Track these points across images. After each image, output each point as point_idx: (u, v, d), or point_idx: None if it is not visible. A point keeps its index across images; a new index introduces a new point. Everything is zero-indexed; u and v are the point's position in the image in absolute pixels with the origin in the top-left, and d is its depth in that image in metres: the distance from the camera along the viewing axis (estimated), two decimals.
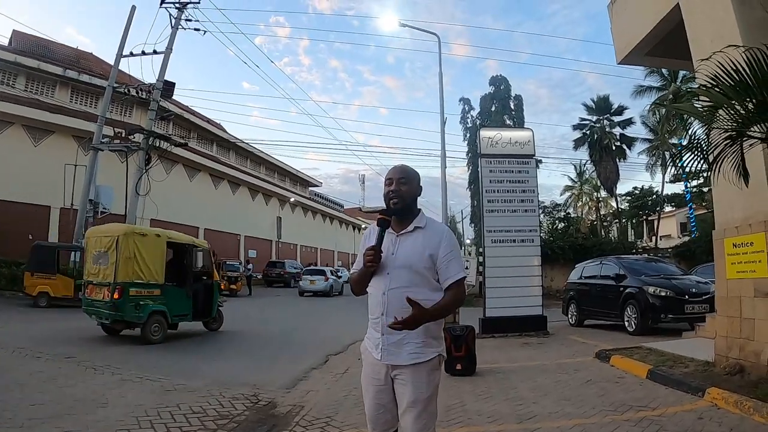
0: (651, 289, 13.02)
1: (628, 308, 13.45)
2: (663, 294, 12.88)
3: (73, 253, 21.21)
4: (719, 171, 5.74)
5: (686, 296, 12.92)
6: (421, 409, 2.96)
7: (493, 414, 6.12)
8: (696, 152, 6.03)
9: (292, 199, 56.24)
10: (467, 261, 24.03)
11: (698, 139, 6.01)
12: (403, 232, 3.11)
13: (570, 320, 16.39)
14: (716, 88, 5.45)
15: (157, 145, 24.58)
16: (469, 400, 6.75)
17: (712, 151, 5.80)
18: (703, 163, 6.07)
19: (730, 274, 7.78)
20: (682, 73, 37.98)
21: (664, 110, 39.87)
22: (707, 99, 5.79)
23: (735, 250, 7.68)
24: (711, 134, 5.81)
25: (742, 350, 7.26)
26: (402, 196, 3.12)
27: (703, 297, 12.85)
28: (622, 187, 49.79)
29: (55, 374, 7.97)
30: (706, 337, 9.99)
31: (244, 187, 47.68)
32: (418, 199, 3.26)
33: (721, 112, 5.56)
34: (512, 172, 14.30)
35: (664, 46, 10.50)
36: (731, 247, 7.76)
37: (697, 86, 6.25)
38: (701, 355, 8.31)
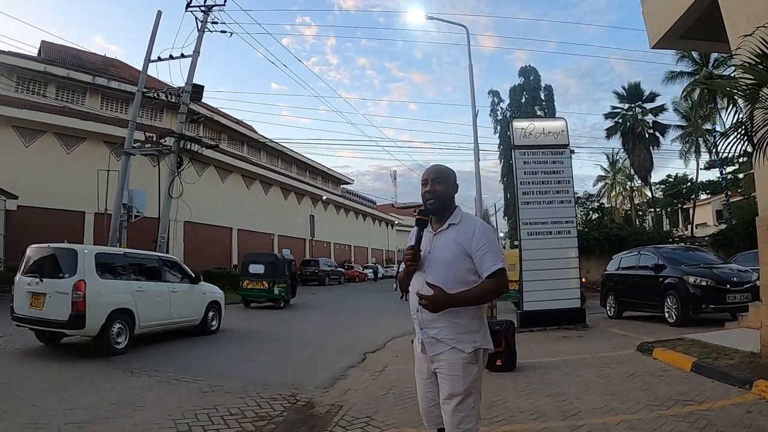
0: (691, 279, 12.70)
1: (668, 299, 13.13)
2: (704, 284, 12.54)
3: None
4: (764, 152, 5.54)
5: (727, 285, 12.56)
6: (457, 402, 3.03)
7: (536, 411, 5.97)
8: (740, 133, 5.82)
9: (324, 197, 56.38)
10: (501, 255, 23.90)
11: (742, 119, 5.80)
12: (439, 230, 3.25)
13: (608, 312, 16.09)
14: (760, 66, 5.26)
15: (188, 147, 24.68)
16: (510, 397, 6.60)
17: (757, 131, 5.60)
18: (747, 144, 5.86)
19: None
20: (713, 57, 37.36)
21: (697, 95, 39.23)
22: (751, 77, 5.58)
23: None
24: (755, 114, 5.61)
25: None
26: (437, 195, 3.25)
27: (745, 286, 12.52)
28: (655, 176, 49.25)
29: (93, 378, 7.98)
30: (749, 327, 9.73)
31: (276, 186, 47.87)
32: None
33: (765, 90, 5.36)
34: (546, 162, 14.06)
35: (698, 28, 10.24)
36: None
37: (736, 65, 6.02)
38: (746, 345, 8.09)
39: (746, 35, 5.48)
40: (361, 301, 28.30)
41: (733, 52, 7.15)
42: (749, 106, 5.64)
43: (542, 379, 7.64)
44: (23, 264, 10.82)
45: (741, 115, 5.89)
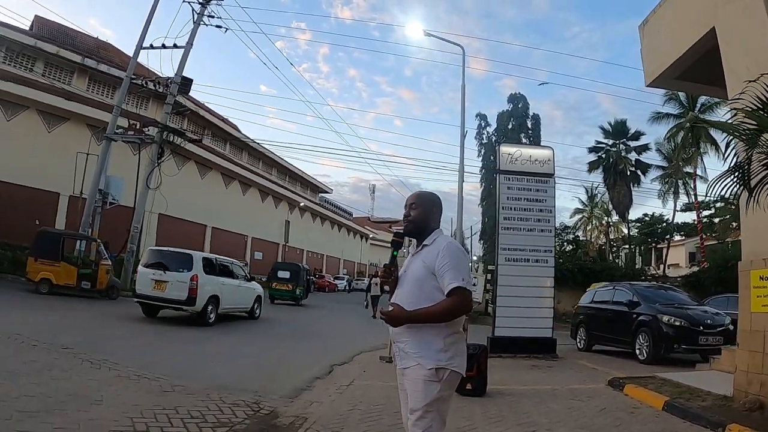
0: (665, 318, 12.72)
1: (641, 336, 13.14)
2: (677, 323, 12.57)
3: (78, 241, 21.05)
4: (756, 199, 5.51)
5: (701, 327, 12.61)
6: (416, 418, 3.06)
7: None
8: (737, 176, 5.79)
9: (301, 204, 56.19)
10: (475, 278, 23.84)
11: (739, 162, 5.77)
12: (416, 251, 3.38)
13: (578, 344, 16.06)
14: (761, 112, 5.25)
15: (171, 139, 24.48)
16: (480, 423, 6.46)
17: (754, 176, 5.58)
18: (742, 189, 5.83)
19: (755, 307, 7.49)
20: (700, 101, 37.80)
21: (680, 138, 39.64)
22: (752, 122, 5.57)
23: (762, 282, 7.38)
24: (753, 158, 5.60)
25: (764, 386, 6.97)
26: (412, 220, 3.40)
27: (718, 329, 12.61)
28: (633, 213, 49.46)
29: (51, 365, 7.72)
30: (721, 370, 9.75)
31: (254, 188, 47.62)
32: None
33: (765, 135, 5.35)
34: (530, 190, 14.01)
35: (695, 70, 10.24)
36: (758, 280, 7.46)
37: (737, 109, 6.00)
38: (718, 388, 8.03)
39: (751, 81, 5.47)
40: (331, 309, 28.31)
41: (732, 97, 7.12)
42: (748, 149, 5.62)
43: (512, 407, 7.51)
44: (143, 259, 16.39)
45: (738, 159, 5.85)
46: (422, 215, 3.39)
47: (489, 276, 29.63)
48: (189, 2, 24.60)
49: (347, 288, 56.97)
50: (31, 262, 18.29)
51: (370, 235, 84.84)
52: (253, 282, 19.35)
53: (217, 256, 18.50)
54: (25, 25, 33.33)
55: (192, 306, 14.92)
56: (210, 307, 15.48)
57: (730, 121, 6.69)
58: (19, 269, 19.83)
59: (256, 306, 18.99)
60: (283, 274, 29.58)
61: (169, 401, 6.46)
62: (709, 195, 26.41)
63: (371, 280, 27.42)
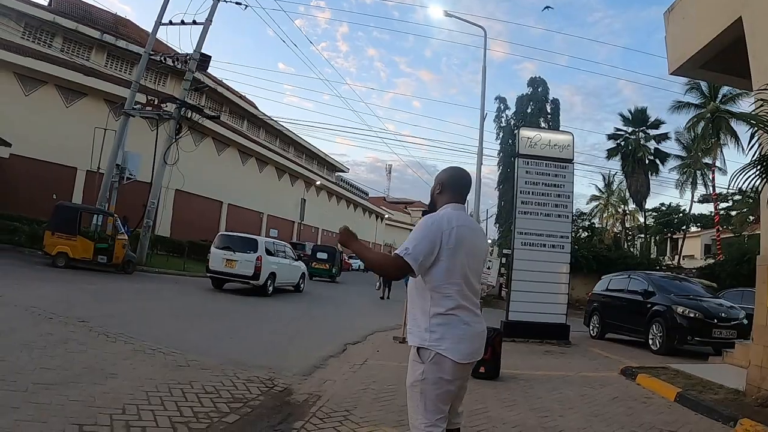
0: (680, 309, 12.62)
1: (654, 326, 13.09)
2: (692, 315, 12.47)
3: (95, 216, 21.15)
4: None
5: (715, 320, 12.51)
6: (407, 397, 3.11)
7: (519, 424, 5.84)
8: (760, 169, 5.70)
9: (318, 182, 56.16)
10: (489, 261, 23.74)
11: (765, 155, 5.67)
12: None
13: (591, 332, 16.04)
14: None
15: (189, 116, 24.48)
16: (493, 407, 6.46)
17: None
18: (765, 182, 5.74)
19: None
20: (722, 91, 37.45)
21: (701, 128, 39.28)
22: None
23: None
24: None
25: None
26: (430, 196, 3.45)
27: (732, 323, 12.54)
28: (649, 202, 49.13)
29: (66, 338, 7.75)
30: (734, 364, 9.71)
31: (271, 166, 47.61)
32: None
33: None
34: (549, 175, 13.91)
35: (719, 60, 10.08)
36: None
37: (764, 99, 5.89)
38: (731, 382, 7.99)
39: None
40: (342, 287, 28.41)
41: (757, 89, 7.01)
42: None
43: (525, 391, 7.51)
44: (215, 242, 19.68)
45: (762, 151, 5.76)
46: (432, 191, 3.41)
47: (504, 260, 29.61)
48: None
49: (364, 268, 56.02)
50: (48, 236, 18.39)
51: (386, 215, 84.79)
52: (299, 262, 23.67)
53: (275, 240, 23.53)
54: (44, 0, 33.42)
55: (256, 280, 18.50)
56: (269, 282, 19.09)
57: (754, 113, 6.58)
58: (36, 243, 19.94)
59: (301, 281, 23.02)
60: (321, 255, 34.92)
61: (184, 376, 6.49)
62: (731, 186, 26.21)
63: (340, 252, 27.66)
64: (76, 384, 5.59)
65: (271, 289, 19.30)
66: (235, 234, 20.70)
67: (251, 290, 19.06)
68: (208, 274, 19.50)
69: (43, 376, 5.68)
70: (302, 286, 23.09)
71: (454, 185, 3.34)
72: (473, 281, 3.14)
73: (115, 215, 20.57)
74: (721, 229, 41.59)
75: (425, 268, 2.97)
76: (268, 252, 19.38)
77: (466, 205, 3.47)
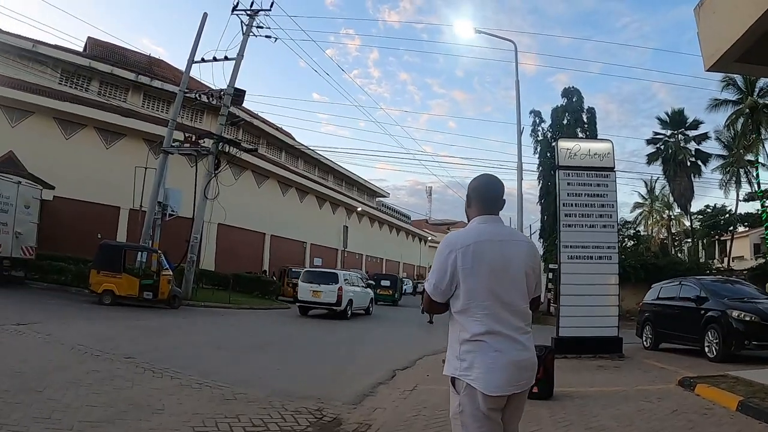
0: (735, 314, 12.15)
1: (709, 333, 12.63)
2: (747, 319, 11.98)
3: (139, 253, 21.38)
4: None
5: None
6: (451, 425, 2.94)
7: None
8: None
9: (359, 209, 56.27)
10: None
11: None
12: None
13: (645, 343, 15.61)
14: None
15: (227, 150, 24.70)
16: (547, 428, 6.28)
17: None
18: None
19: None
20: (759, 85, 36.76)
21: (740, 124, 38.58)
22: None
23: None
24: None
25: None
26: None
27: None
28: (694, 205, 48.25)
29: (113, 374, 7.79)
30: None
31: (311, 195, 47.86)
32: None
33: None
34: (591, 185, 13.68)
35: (756, 52, 9.79)
36: None
37: None
38: None
39: None
40: (391, 315, 28.50)
41: None
42: None
43: (580, 410, 7.28)
44: (301, 277, 23.84)
45: None
46: (465, 205, 3.23)
47: (551, 275, 29.22)
48: (238, 15, 24.83)
49: (414, 291, 55.49)
50: (94, 274, 18.62)
51: (429, 238, 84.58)
52: (369, 289, 28.12)
53: (350, 272, 27.66)
54: (80, 46, 34.21)
55: (339, 306, 22.15)
56: (348, 307, 22.70)
57: None
58: (82, 282, 20.19)
59: (370, 305, 26.88)
60: (385, 283, 38.79)
61: (230, 409, 6.43)
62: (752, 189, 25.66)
63: (402, 280, 27.59)
64: (122, 421, 5.59)
65: (349, 313, 23.04)
66: (318, 269, 26.54)
67: (298, 318, 21.34)
68: (297, 304, 23.64)
69: (89, 414, 5.69)
70: (371, 309, 26.95)
71: (480, 196, 3.11)
72: (510, 300, 2.84)
73: (159, 251, 20.78)
74: None
75: (450, 294, 2.84)
76: (346, 282, 23.20)
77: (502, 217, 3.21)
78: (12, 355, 8.54)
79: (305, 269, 26.70)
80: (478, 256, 2.80)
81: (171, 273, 20.13)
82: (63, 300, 18.32)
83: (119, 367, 8.43)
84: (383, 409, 7.09)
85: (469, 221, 3.10)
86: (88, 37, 36.17)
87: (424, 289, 2.92)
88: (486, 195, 3.10)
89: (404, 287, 42.08)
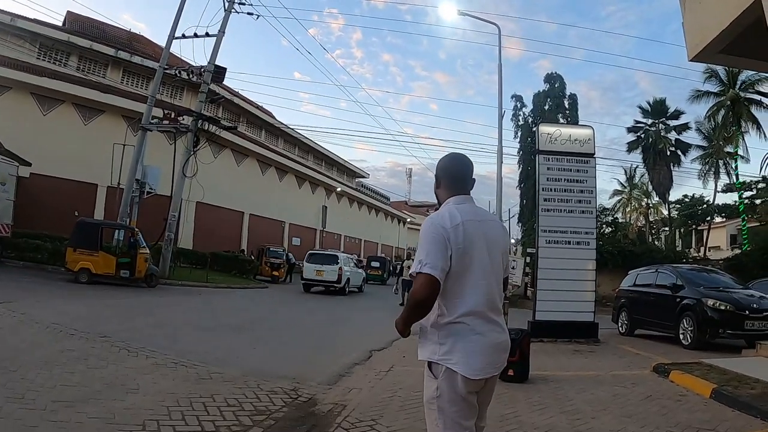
0: (710, 302, 12.30)
1: (684, 320, 12.77)
2: (722, 308, 12.15)
3: (116, 231, 21.20)
4: None
5: (746, 311, 12.14)
6: (425, 413, 2.88)
7: (550, 428, 5.68)
8: None
9: (338, 189, 56.11)
10: (514, 261, 23.50)
11: None
12: None
13: (620, 329, 15.73)
14: None
15: (206, 128, 24.53)
16: (523, 411, 6.30)
17: None
18: None
19: None
20: (741, 78, 37.06)
21: (721, 116, 38.88)
22: None
23: None
24: None
25: None
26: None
27: (764, 313, 12.15)
28: (672, 194, 48.65)
29: (87, 354, 7.73)
30: None
31: (291, 174, 47.49)
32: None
33: None
34: (570, 170, 13.70)
35: (741, 44, 9.82)
36: None
37: None
38: (767, 376, 7.77)
39: None
40: (368, 295, 28.94)
41: None
42: None
43: (555, 393, 7.34)
44: (306, 258, 27.20)
45: None
46: (435, 186, 3.12)
47: (528, 259, 29.35)
48: None
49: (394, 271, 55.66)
50: (70, 252, 18.47)
51: (408, 219, 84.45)
52: (362, 269, 33.77)
53: (347, 254, 31.47)
54: (58, 21, 33.68)
55: (339, 284, 25.79)
56: (346, 285, 26.25)
57: None
58: (58, 260, 20.01)
59: (362, 284, 31.27)
60: (375, 264, 43.46)
61: (205, 389, 6.41)
62: (763, 171, 25.83)
63: (402, 263, 27.31)
64: (96, 400, 5.54)
65: (347, 289, 26.57)
66: (322, 252, 29.22)
67: (275, 298, 21.55)
68: (302, 281, 27.01)
69: (62, 394, 5.64)
70: (363, 287, 31.30)
71: (449, 175, 3.06)
72: (492, 281, 2.84)
73: (136, 229, 20.62)
74: (746, 218, 40.99)
75: (446, 273, 2.67)
76: (345, 263, 26.74)
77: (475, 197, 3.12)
78: None
79: (310, 251, 28.94)
80: (469, 236, 2.75)
81: (148, 251, 20.00)
82: (39, 278, 18.11)
83: (94, 346, 8.36)
84: (359, 390, 7.08)
85: (440, 202, 3.04)
86: (68, 12, 35.56)
87: (414, 274, 2.69)
88: (457, 175, 3.05)
89: (390, 267, 42.96)
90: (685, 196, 58.72)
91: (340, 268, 25.27)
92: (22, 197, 22.32)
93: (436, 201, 3.09)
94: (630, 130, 45.36)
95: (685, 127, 43.64)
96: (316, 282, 26.18)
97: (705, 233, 48.10)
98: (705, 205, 53.26)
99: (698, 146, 42.85)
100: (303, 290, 26.49)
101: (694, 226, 57.92)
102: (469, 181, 3.06)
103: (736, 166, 40.10)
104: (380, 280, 41.23)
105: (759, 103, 37.84)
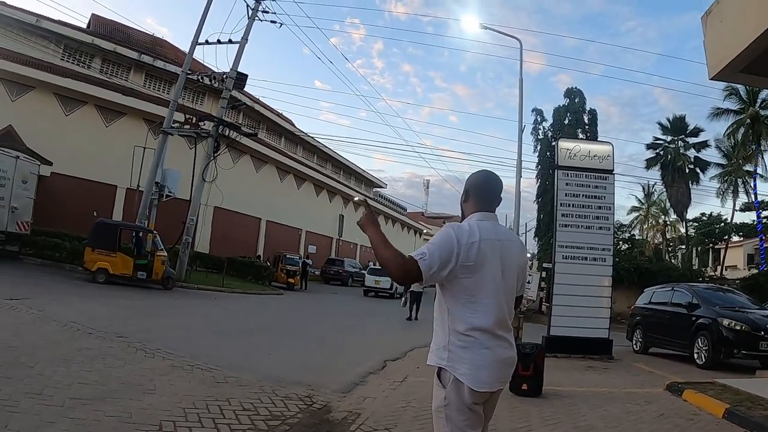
0: (725, 322, 12.23)
1: (699, 339, 12.69)
2: (738, 328, 12.07)
3: (134, 232, 21.36)
4: None
5: (762, 332, 12.01)
6: (433, 419, 2.89)
7: None
8: None
9: (356, 198, 56.05)
10: (530, 275, 23.43)
11: None
12: None
13: (634, 346, 15.67)
14: None
15: (227, 133, 24.68)
16: (536, 425, 6.30)
17: None
18: None
19: None
20: (761, 96, 36.84)
21: (740, 134, 38.67)
22: None
23: None
24: None
25: None
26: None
27: None
28: (690, 212, 48.37)
29: (104, 353, 7.81)
30: None
31: (309, 182, 47.62)
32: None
33: None
34: (589, 186, 13.67)
35: (762, 63, 9.79)
36: None
37: None
38: None
39: None
40: (383, 304, 28.83)
41: None
42: None
43: (568, 409, 7.32)
44: (367, 270, 37.66)
45: None
46: (461, 199, 3.16)
47: (544, 274, 29.25)
48: None
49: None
50: (89, 252, 18.62)
51: (424, 231, 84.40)
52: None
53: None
54: (83, 23, 34.07)
55: (391, 290, 32.17)
56: (395, 291, 31.28)
57: None
58: (77, 259, 20.17)
59: (397, 288, 33.79)
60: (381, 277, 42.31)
61: (221, 392, 6.46)
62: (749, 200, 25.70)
63: None
64: (113, 399, 5.60)
65: (396, 295, 30.93)
66: (379, 267, 33.18)
67: (291, 305, 21.29)
68: (363, 288, 36.18)
69: (79, 391, 5.71)
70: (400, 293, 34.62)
71: (479, 192, 3.07)
72: (504, 299, 2.87)
73: (155, 232, 20.77)
74: (765, 237, 40.66)
75: (437, 280, 2.75)
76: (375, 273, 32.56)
77: (499, 215, 3.15)
78: (4, 330, 8.54)
79: (370, 266, 38.37)
80: (483, 254, 2.78)
81: (166, 254, 20.13)
82: (57, 276, 18.29)
83: (111, 345, 8.45)
84: (373, 399, 7.13)
85: (464, 215, 3.08)
86: (92, 14, 35.97)
87: (408, 256, 2.71)
88: (486, 192, 3.07)
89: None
90: (703, 214, 58.34)
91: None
92: (42, 196, 22.55)
93: (452, 213, 3.19)
94: (649, 146, 45.21)
95: (704, 144, 43.44)
96: (374, 289, 34.86)
97: (722, 252, 47.79)
98: (723, 224, 52.87)
99: (717, 164, 42.61)
100: (363, 295, 34.58)
101: (711, 245, 57.50)
102: (497, 200, 3.10)
103: (755, 185, 39.88)
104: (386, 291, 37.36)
105: None
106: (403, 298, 23.35)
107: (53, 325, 9.50)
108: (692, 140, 43.77)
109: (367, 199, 2.79)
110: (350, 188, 56.69)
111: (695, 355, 12.71)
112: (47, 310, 10.82)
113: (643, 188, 54.38)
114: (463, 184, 3.16)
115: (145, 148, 24.31)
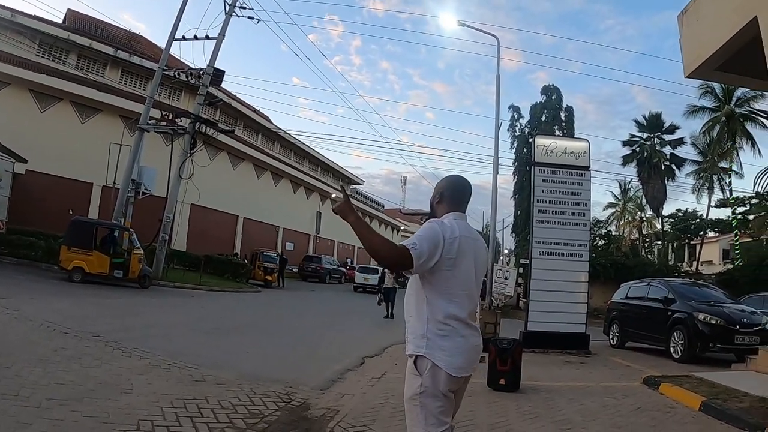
0: (701, 316, 12.36)
1: (675, 334, 12.85)
2: (713, 322, 12.20)
3: (111, 230, 21.21)
4: None
5: (737, 326, 12.21)
6: (405, 411, 3.02)
7: None
8: None
9: (333, 195, 56.14)
10: (507, 272, 23.49)
11: None
12: None
13: (611, 341, 15.84)
14: None
15: (203, 130, 24.56)
16: (514, 420, 6.34)
17: None
18: None
19: None
20: (737, 94, 37.22)
21: (716, 132, 39.04)
22: None
23: None
24: None
25: None
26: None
27: (754, 328, 12.22)
28: (666, 208, 48.76)
29: (81, 353, 7.74)
30: (758, 371, 9.54)
31: (286, 179, 47.50)
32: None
33: None
34: (565, 183, 13.81)
35: (737, 61, 9.90)
36: None
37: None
38: (756, 390, 7.81)
39: None
40: (363, 300, 29.01)
41: None
42: None
43: (546, 403, 7.38)
44: (357, 269, 41.18)
45: None
46: (432, 201, 3.34)
47: (521, 270, 29.39)
48: None
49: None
50: (64, 251, 18.46)
51: (402, 227, 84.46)
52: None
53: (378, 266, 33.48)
54: (59, 18, 33.70)
55: (378, 286, 26.67)
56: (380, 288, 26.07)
57: None
58: (52, 258, 19.98)
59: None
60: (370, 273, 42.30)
61: (199, 391, 6.44)
62: (756, 188, 25.89)
63: (384, 270, 27.16)
64: (90, 399, 5.56)
65: (381, 290, 27.89)
66: (367, 266, 39.35)
67: (268, 302, 21.18)
68: (353, 285, 39.20)
69: (56, 392, 5.67)
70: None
71: (453, 195, 3.26)
72: (472, 293, 3.07)
73: (131, 230, 20.62)
74: (739, 233, 41.10)
75: (423, 270, 2.86)
76: (381, 273, 28.95)
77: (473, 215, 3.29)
78: None
79: (359, 265, 42.43)
80: (462, 250, 2.96)
81: (142, 252, 20.00)
82: (32, 276, 18.08)
83: (88, 345, 8.39)
84: (351, 396, 7.13)
85: (435, 214, 3.25)
86: (68, 9, 35.57)
87: (400, 245, 2.83)
88: (460, 194, 3.28)
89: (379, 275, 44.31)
90: (679, 210, 58.96)
91: (381, 276, 25.69)
92: (17, 194, 22.33)
93: (428, 210, 3.30)
94: (625, 143, 45.50)
95: (680, 141, 43.74)
96: (363, 285, 37.30)
97: (698, 248, 48.16)
98: (698, 220, 53.41)
99: (693, 161, 42.94)
100: (353, 291, 37.51)
101: (687, 241, 58.02)
102: (467, 202, 3.31)
103: (730, 182, 40.26)
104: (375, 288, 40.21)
105: (754, 120, 38.00)
106: (378, 296, 22.63)
107: (29, 325, 9.41)
108: (668, 137, 44.08)
109: (344, 186, 2.96)
110: (328, 185, 56.59)
111: (671, 349, 12.88)
112: (23, 309, 10.72)
113: (620, 185, 54.79)
114: (437, 185, 3.35)
115: (121, 145, 24.17)
